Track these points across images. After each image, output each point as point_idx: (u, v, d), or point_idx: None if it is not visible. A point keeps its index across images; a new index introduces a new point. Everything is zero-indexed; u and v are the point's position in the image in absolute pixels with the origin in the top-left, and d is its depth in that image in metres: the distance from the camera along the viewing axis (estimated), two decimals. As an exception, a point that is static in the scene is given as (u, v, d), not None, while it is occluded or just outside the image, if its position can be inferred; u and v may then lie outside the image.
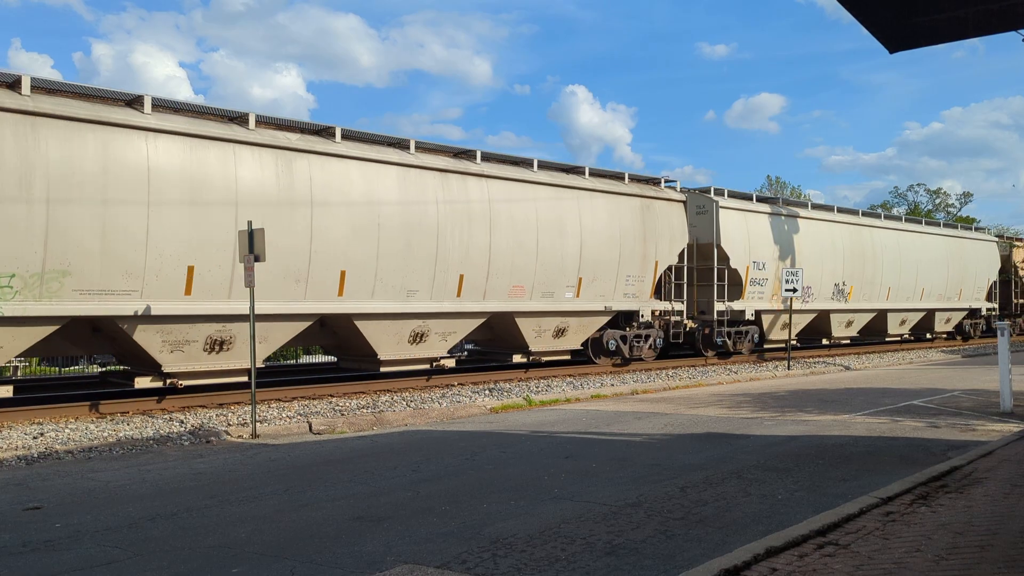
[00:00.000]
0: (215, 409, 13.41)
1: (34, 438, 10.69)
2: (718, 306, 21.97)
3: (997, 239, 36.73)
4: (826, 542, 5.70)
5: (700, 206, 22.23)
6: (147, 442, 10.84)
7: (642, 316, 20.34)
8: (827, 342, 27.63)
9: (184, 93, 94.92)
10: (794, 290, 22.22)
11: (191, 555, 6.04)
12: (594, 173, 19.84)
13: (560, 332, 18.75)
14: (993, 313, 35.54)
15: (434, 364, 16.73)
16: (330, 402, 14.29)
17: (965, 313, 33.69)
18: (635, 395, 16.56)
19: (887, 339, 30.56)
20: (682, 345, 22.57)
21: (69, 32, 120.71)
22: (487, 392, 15.79)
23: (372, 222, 14.90)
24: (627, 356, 20.32)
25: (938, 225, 33.95)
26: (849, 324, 27.36)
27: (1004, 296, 36.62)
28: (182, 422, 12.08)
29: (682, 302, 21.40)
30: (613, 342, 19.95)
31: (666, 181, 21.98)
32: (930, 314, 31.40)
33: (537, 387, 16.67)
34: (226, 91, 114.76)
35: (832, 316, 26.20)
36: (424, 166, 15.90)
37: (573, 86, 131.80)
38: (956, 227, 34.81)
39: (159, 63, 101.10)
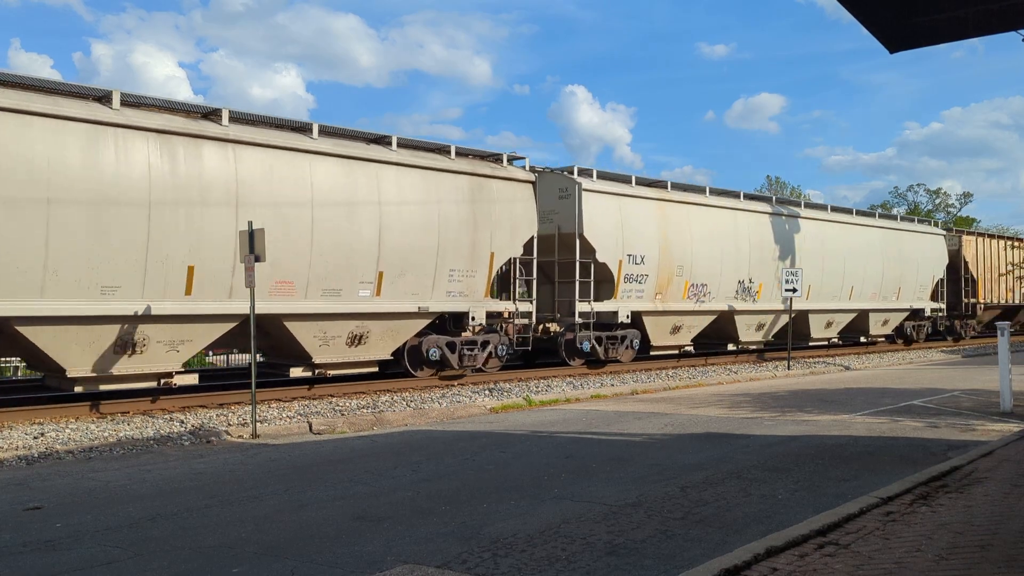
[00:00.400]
0: (215, 409, 13.42)
1: (35, 438, 10.70)
2: (580, 306, 18.74)
3: (944, 232, 32.53)
4: (826, 542, 5.70)
5: (563, 189, 18.97)
6: (147, 442, 10.84)
7: (474, 319, 16.79)
8: (734, 347, 23.79)
9: (184, 93, 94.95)
10: (794, 290, 22.15)
11: (191, 555, 6.05)
12: (406, 144, 16.16)
13: (357, 339, 15.10)
14: (939, 314, 31.73)
15: (163, 382, 13.31)
16: (330, 402, 14.30)
17: (906, 314, 30.00)
18: (635, 395, 16.58)
19: (810, 344, 26.96)
20: (552, 352, 19.66)
21: (69, 32, 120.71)
22: (487, 392, 15.80)
23: (37, 196, 11.53)
24: (457, 367, 16.77)
25: (872, 215, 29.70)
26: (760, 327, 23.81)
27: (953, 295, 32.62)
28: (182, 422, 12.09)
29: (530, 302, 18.07)
30: (436, 351, 16.28)
31: (513, 158, 18.20)
32: (863, 315, 27.77)
33: (537, 387, 16.68)
34: (226, 91, 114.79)
35: (737, 318, 22.73)
36: (130, 125, 12.49)
37: (573, 86, 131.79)
38: (895, 218, 30.91)
39: (159, 63, 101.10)
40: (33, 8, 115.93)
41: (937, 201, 74.15)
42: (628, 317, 19.74)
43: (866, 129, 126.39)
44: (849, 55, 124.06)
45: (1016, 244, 36.77)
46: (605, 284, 19.43)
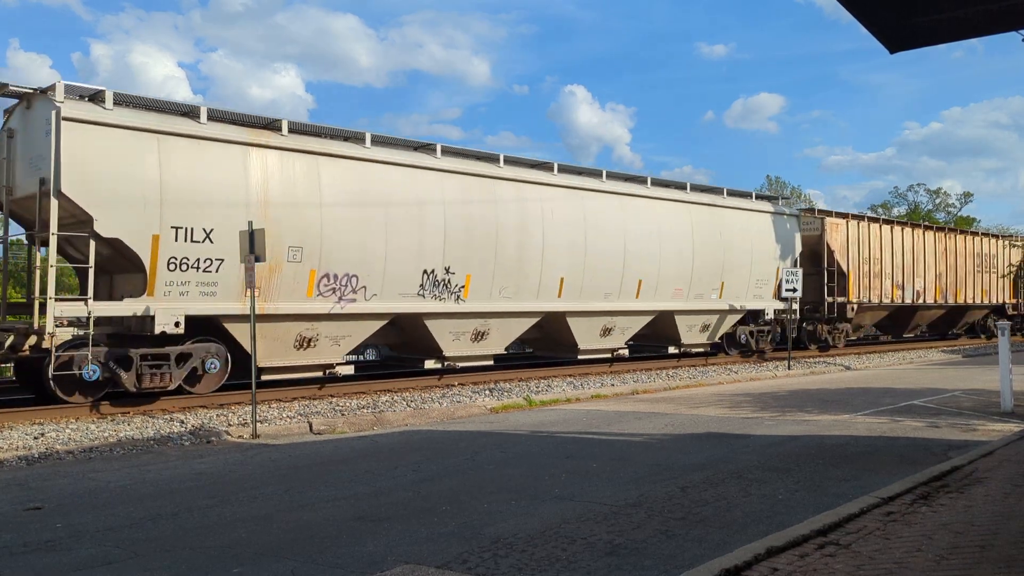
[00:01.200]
0: (215, 409, 13.41)
1: (35, 438, 10.69)
2: (63, 308, 12.19)
3: (797, 212, 25.38)
4: (827, 542, 5.70)
5: (49, 121, 12.05)
6: (147, 442, 10.84)
7: None
8: (436, 364, 16.72)
9: (183, 93, 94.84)
10: (794, 290, 22.11)
11: (192, 555, 6.05)
12: None
13: None
14: (788, 316, 24.18)
15: None
16: (330, 402, 14.30)
17: (738, 317, 22.96)
18: (635, 395, 16.57)
19: (580, 357, 19.39)
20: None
21: (68, 32, 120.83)
22: (487, 392, 15.79)
23: None
24: None
25: (683, 188, 21.63)
26: (478, 336, 16.93)
27: (814, 292, 25.79)
28: (182, 422, 12.09)
29: None
30: None
31: None
32: (665, 318, 20.87)
33: (537, 387, 16.68)
34: (225, 91, 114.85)
35: (432, 323, 16.12)
36: None
37: (572, 86, 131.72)
38: (720, 192, 22.77)
39: (158, 63, 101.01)
40: (31, 8, 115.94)
41: (937, 201, 74.10)
42: (180, 325, 12.89)
43: (866, 129, 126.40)
44: (849, 55, 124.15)
45: (907, 228, 30.02)
46: (137, 276, 12.95)
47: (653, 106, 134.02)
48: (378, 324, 15.58)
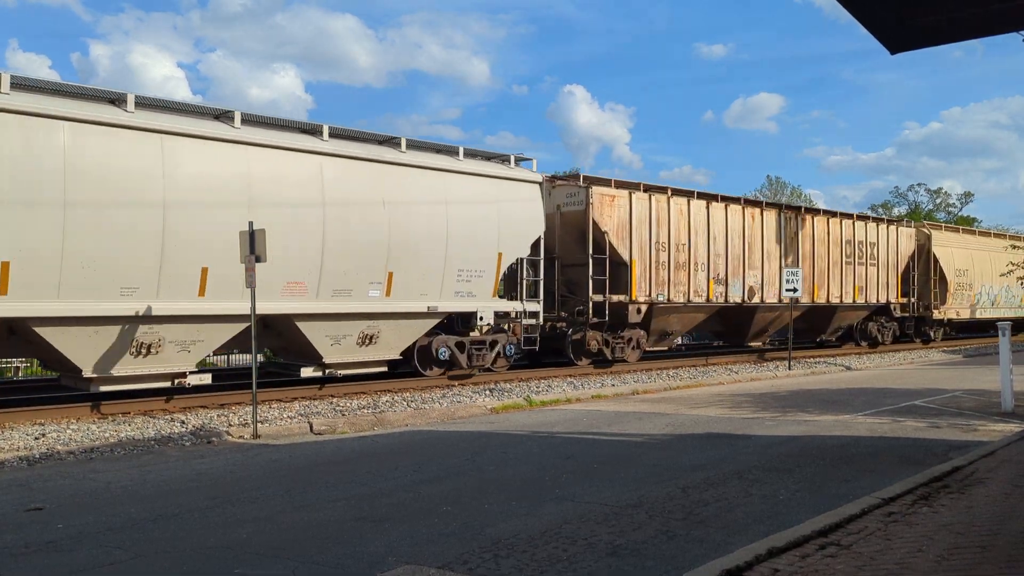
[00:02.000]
0: (216, 410, 13.41)
1: (36, 439, 10.70)
2: None
3: (540, 179, 18.15)
4: (828, 542, 5.70)
5: None
6: (148, 442, 10.85)
7: None
8: None
9: (182, 93, 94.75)
10: (795, 290, 22.08)
11: (193, 556, 6.05)
12: None
13: None
14: (528, 320, 17.74)
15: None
16: (331, 402, 14.30)
17: (432, 323, 16.21)
18: (636, 395, 16.57)
19: (101, 388, 12.41)
20: None
21: (67, 33, 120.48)
22: (487, 392, 15.79)
23: None
24: None
25: (314, 133, 14.55)
26: None
27: (575, 289, 19.26)
28: (183, 422, 12.09)
29: None
30: None
31: None
32: (285, 325, 14.25)
33: (538, 387, 16.67)
34: (224, 91, 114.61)
35: None
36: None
37: (571, 86, 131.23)
38: (398, 144, 15.60)
39: (157, 64, 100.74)
40: (31, 8, 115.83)
41: (938, 201, 74.05)
42: None
43: (865, 129, 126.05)
44: (848, 55, 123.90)
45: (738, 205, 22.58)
46: None
47: (653, 106, 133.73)
48: None
